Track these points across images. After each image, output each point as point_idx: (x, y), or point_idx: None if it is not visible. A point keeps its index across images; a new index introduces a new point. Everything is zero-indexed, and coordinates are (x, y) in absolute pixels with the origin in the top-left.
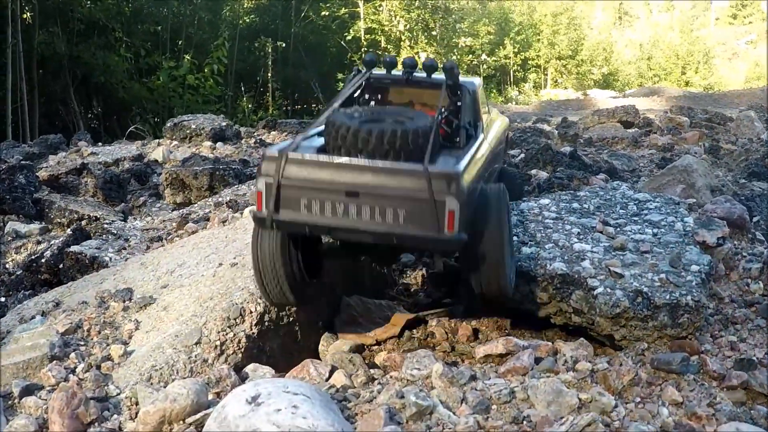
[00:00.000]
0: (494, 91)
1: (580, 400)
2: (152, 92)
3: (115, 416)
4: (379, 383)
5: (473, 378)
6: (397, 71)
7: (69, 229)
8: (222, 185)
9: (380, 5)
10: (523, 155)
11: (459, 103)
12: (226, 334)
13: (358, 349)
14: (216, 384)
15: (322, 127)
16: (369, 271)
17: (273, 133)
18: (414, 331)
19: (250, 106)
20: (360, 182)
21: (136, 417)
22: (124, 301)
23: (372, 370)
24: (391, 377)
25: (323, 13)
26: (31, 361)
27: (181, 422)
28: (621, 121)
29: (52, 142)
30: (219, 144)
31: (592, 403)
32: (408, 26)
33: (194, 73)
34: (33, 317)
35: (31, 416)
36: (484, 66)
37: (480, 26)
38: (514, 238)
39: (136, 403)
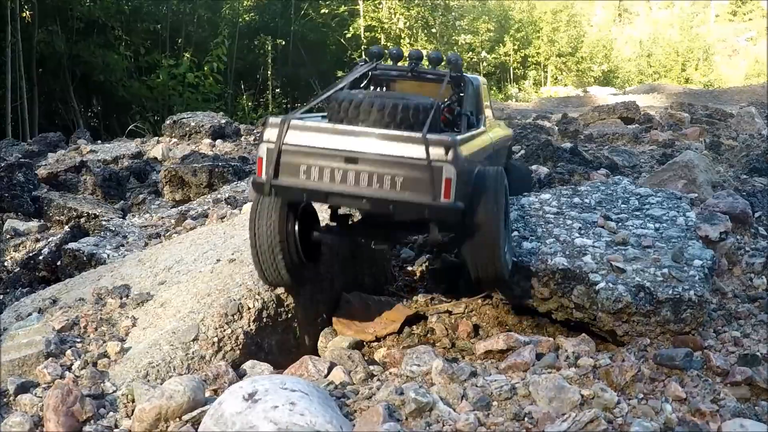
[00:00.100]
0: (494, 88)
1: (582, 396)
2: (152, 91)
3: (111, 414)
4: (379, 380)
5: (474, 374)
6: (402, 64)
7: (67, 227)
8: (221, 182)
9: (380, 3)
10: (523, 151)
11: (462, 94)
12: (224, 331)
13: (358, 345)
14: (213, 381)
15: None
16: (369, 266)
17: None
18: (414, 327)
19: (249, 104)
20: (359, 148)
21: (132, 414)
22: (121, 298)
23: (371, 367)
24: (390, 374)
25: (323, 10)
26: (26, 358)
27: (178, 420)
28: (621, 118)
29: (52, 140)
30: (218, 141)
31: (594, 399)
32: (408, 24)
33: (194, 72)
34: (30, 314)
35: (26, 414)
36: (484, 63)
37: (480, 23)
38: (515, 233)
39: (133, 401)
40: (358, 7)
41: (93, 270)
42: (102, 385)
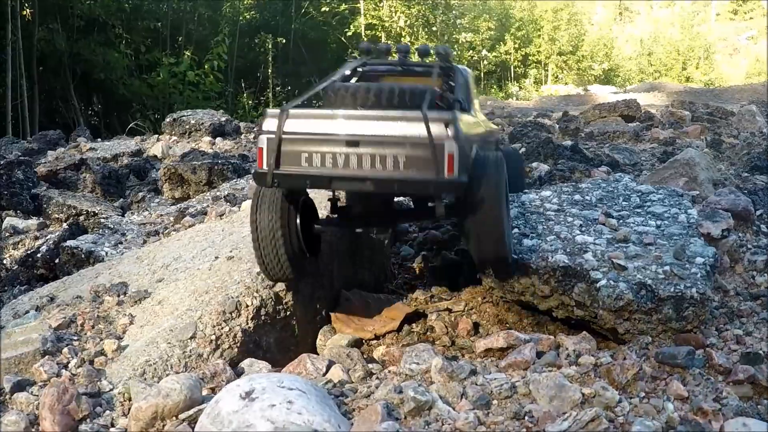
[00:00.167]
0: (495, 87)
1: (583, 395)
2: (152, 89)
3: (108, 412)
4: (378, 378)
5: (473, 372)
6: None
7: (65, 224)
8: (220, 180)
9: (381, 1)
10: (524, 149)
11: (452, 83)
12: (222, 329)
13: (357, 343)
14: (211, 379)
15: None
16: (368, 264)
17: None
18: (413, 325)
19: (250, 102)
20: (360, 131)
21: (128, 413)
22: (118, 296)
23: (370, 365)
24: (389, 372)
25: (323, 9)
26: (23, 356)
27: (174, 418)
28: (622, 115)
29: (51, 138)
30: (218, 139)
31: (595, 398)
32: (408, 22)
33: (194, 70)
34: (27, 312)
35: (22, 412)
36: (485, 62)
37: (480, 22)
38: (515, 230)
39: (129, 399)
40: (358, 5)
41: (91, 267)
42: (98, 383)
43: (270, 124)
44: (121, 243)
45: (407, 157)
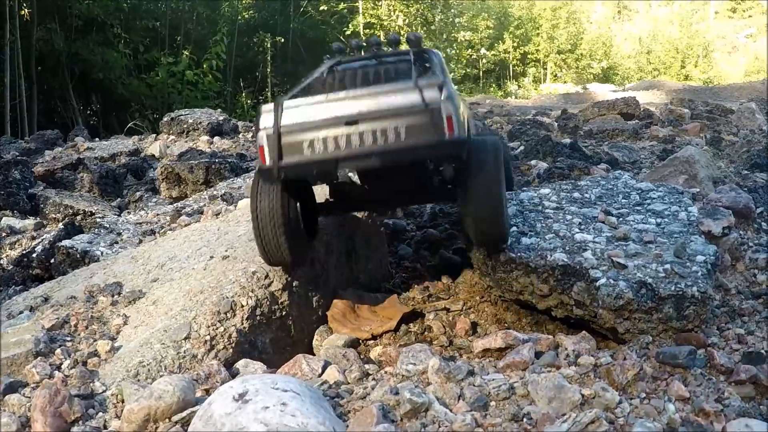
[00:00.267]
0: (494, 85)
1: (582, 395)
2: (151, 88)
3: (100, 414)
4: (374, 379)
5: (471, 373)
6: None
7: (61, 224)
8: (218, 179)
9: (379, 0)
10: (522, 147)
11: (428, 65)
12: (217, 329)
13: (353, 343)
14: (205, 380)
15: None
16: (365, 263)
17: None
18: (411, 324)
19: (249, 101)
20: (357, 110)
21: (121, 415)
22: (113, 296)
23: (367, 366)
24: (386, 373)
25: (322, 8)
26: (15, 357)
27: (167, 420)
28: (621, 113)
29: (49, 137)
30: (216, 138)
31: (595, 399)
32: (407, 21)
33: (193, 69)
34: (20, 312)
35: (13, 414)
36: (484, 60)
37: (479, 21)
38: (513, 228)
39: (122, 401)
40: (357, 4)
41: (86, 267)
42: (91, 384)
43: (266, 119)
44: (116, 243)
45: (407, 126)
